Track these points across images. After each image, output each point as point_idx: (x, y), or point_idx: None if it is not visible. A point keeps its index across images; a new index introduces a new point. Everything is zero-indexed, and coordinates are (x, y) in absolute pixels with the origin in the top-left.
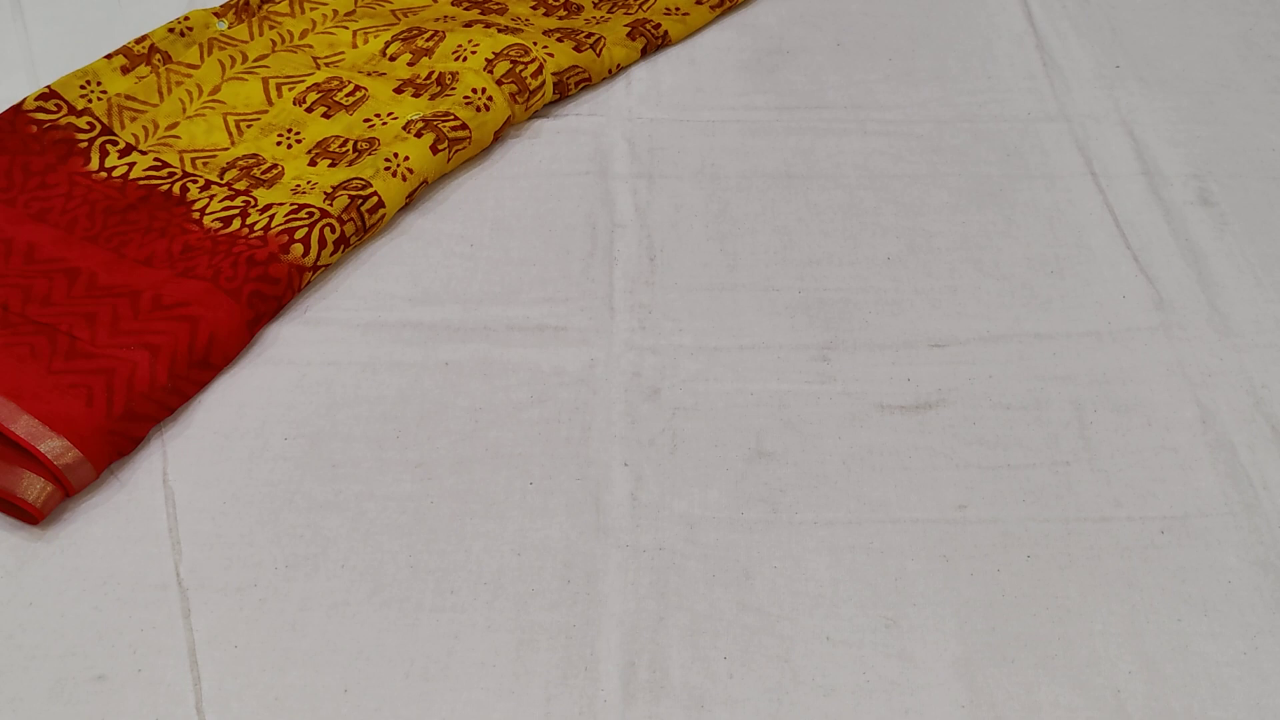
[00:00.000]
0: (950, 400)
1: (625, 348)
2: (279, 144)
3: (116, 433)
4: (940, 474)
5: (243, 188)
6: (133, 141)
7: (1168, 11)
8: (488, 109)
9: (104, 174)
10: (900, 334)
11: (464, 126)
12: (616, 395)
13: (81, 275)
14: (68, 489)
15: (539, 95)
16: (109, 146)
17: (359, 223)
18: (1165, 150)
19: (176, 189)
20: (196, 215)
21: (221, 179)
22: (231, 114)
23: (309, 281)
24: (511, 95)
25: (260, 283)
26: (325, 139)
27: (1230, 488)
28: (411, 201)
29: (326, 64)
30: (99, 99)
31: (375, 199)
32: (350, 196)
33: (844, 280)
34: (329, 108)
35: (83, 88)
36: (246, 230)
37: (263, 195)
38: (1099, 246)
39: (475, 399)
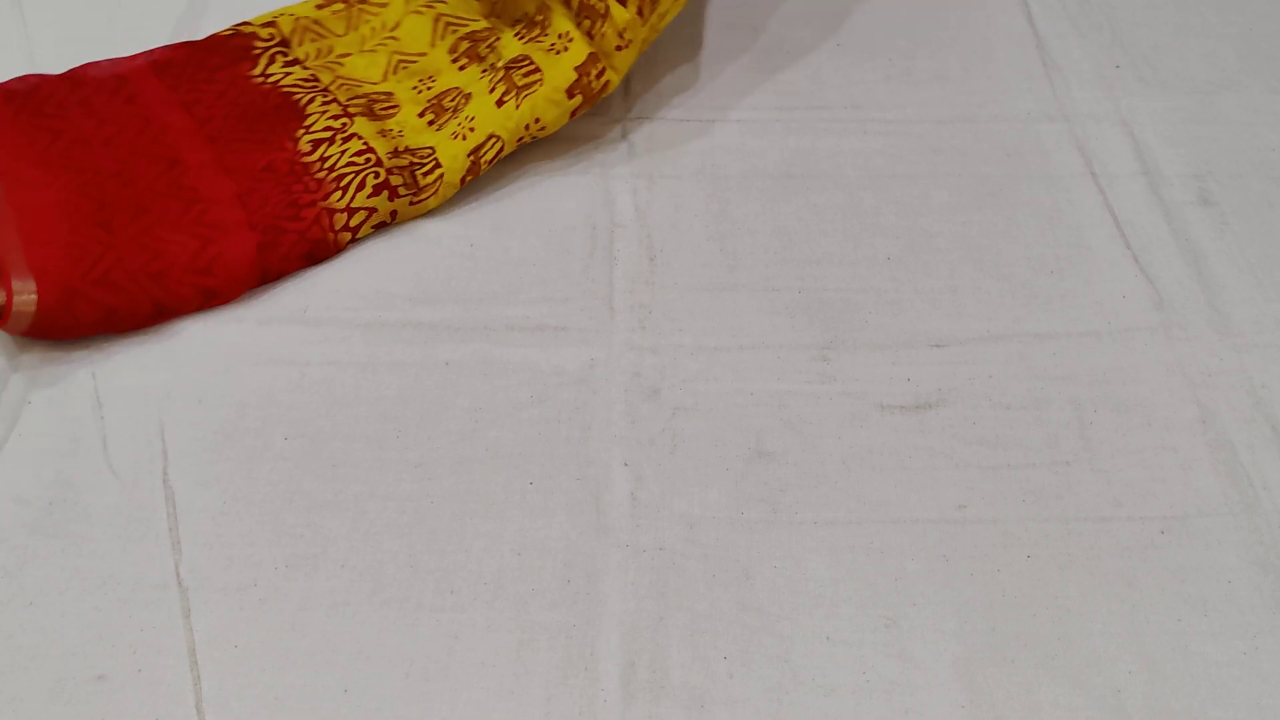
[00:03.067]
0: (950, 400)
1: (625, 348)
2: (414, 90)
3: (77, 294)
4: (940, 474)
5: (354, 112)
6: (301, 58)
7: (1168, 11)
8: (566, 50)
9: (261, 78)
10: (900, 334)
11: (536, 70)
12: (616, 395)
13: (177, 168)
14: (3, 320)
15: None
16: (279, 56)
17: (409, 180)
18: (1165, 150)
19: (305, 99)
20: (300, 132)
21: (345, 100)
22: (398, 52)
23: (354, 226)
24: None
25: (288, 220)
26: (443, 92)
27: (1230, 488)
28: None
29: (493, 15)
30: (287, 18)
31: (433, 163)
32: (411, 162)
33: (844, 280)
34: (468, 60)
35: (277, 13)
36: (319, 164)
37: (359, 123)
38: (1099, 246)
39: (475, 399)
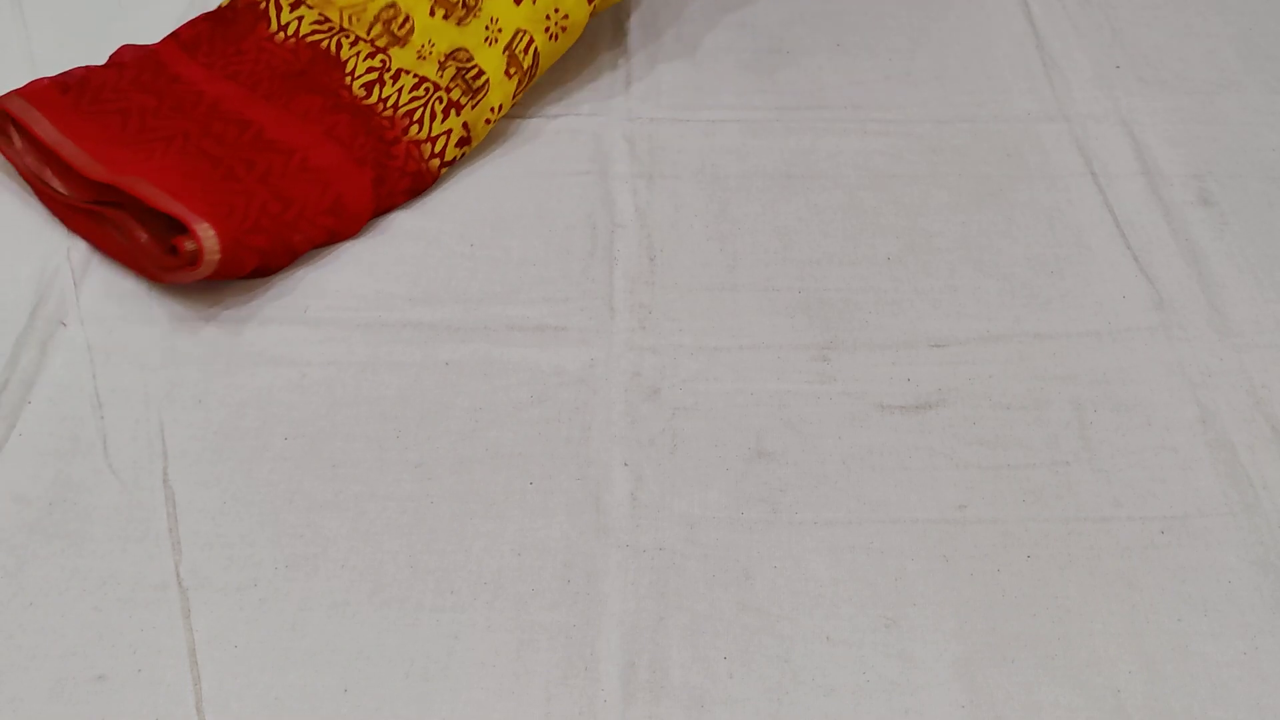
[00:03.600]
0: (950, 400)
1: (625, 348)
2: None
3: (241, 244)
4: (940, 474)
5: (382, 44)
6: None
7: (1168, 11)
8: None
9: (281, 34)
10: (900, 334)
11: None
12: (616, 395)
13: (252, 127)
14: (196, 265)
15: None
16: (281, 2)
17: (465, 87)
18: (1165, 150)
19: (333, 46)
20: (348, 81)
21: (368, 34)
22: None
23: (440, 151)
24: None
25: (384, 156)
26: None
27: (1230, 488)
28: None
29: None
30: None
31: (477, 69)
32: (457, 68)
33: (844, 280)
34: None
35: None
36: (380, 105)
37: (395, 55)
38: (1099, 246)
39: (475, 399)
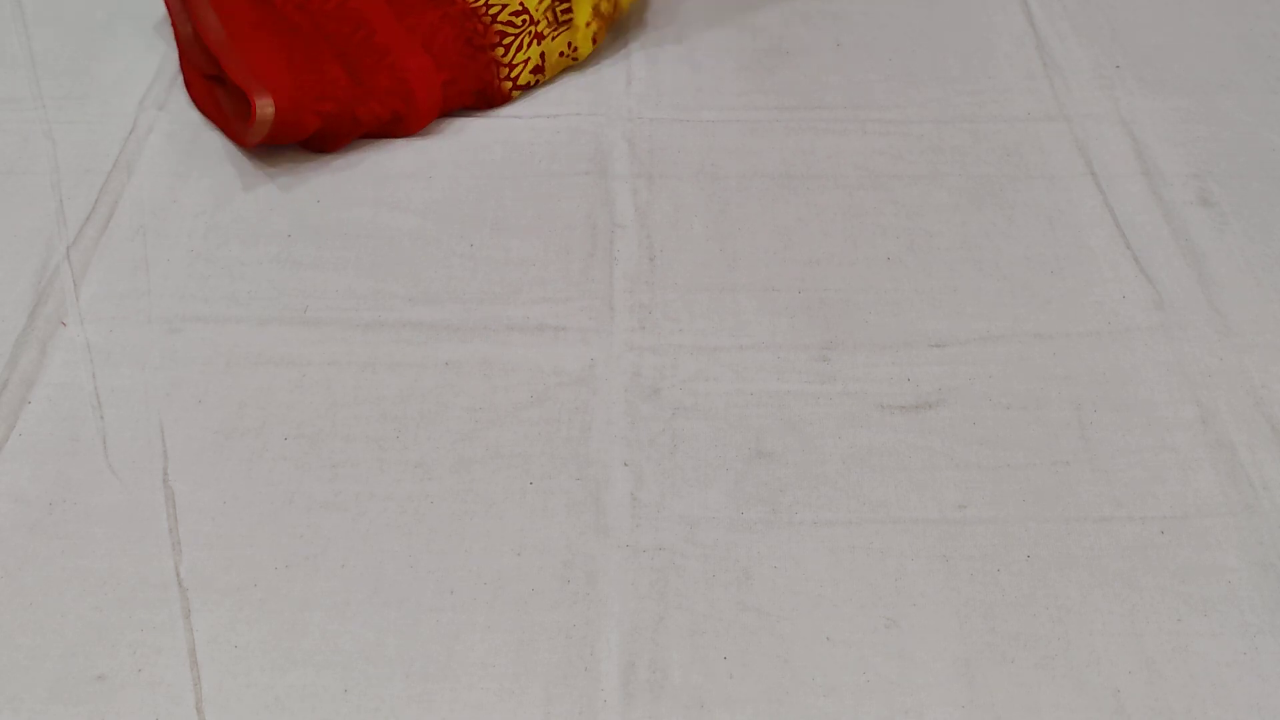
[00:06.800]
0: (950, 400)
1: (625, 348)
2: None
3: (305, 108)
4: (940, 474)
5: None
6: None
7: (1168, 11)
8: None
9: None
10: (900, 334)
11: None
12: (616, 395)
13: (363, 29)
14: (251, 123)
15: None
16: None
17: (552, 19)
18: (1165, 150)
19: None
20: None
21: None
22: None
23: (515, 77)
24: None
25: (466, 60)
26: None
27: (1230, 488)
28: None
29: None
30: None
31: (569, 6)
32: (552, 2)
33: (844, 280)
34: None
35: None
36: (484, 9)
37: None
38: (1099, 246)
39: (475, 399)
